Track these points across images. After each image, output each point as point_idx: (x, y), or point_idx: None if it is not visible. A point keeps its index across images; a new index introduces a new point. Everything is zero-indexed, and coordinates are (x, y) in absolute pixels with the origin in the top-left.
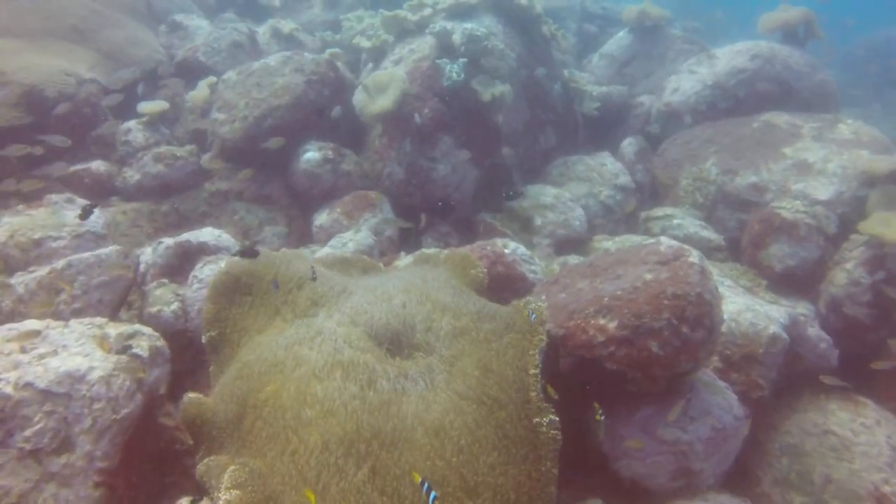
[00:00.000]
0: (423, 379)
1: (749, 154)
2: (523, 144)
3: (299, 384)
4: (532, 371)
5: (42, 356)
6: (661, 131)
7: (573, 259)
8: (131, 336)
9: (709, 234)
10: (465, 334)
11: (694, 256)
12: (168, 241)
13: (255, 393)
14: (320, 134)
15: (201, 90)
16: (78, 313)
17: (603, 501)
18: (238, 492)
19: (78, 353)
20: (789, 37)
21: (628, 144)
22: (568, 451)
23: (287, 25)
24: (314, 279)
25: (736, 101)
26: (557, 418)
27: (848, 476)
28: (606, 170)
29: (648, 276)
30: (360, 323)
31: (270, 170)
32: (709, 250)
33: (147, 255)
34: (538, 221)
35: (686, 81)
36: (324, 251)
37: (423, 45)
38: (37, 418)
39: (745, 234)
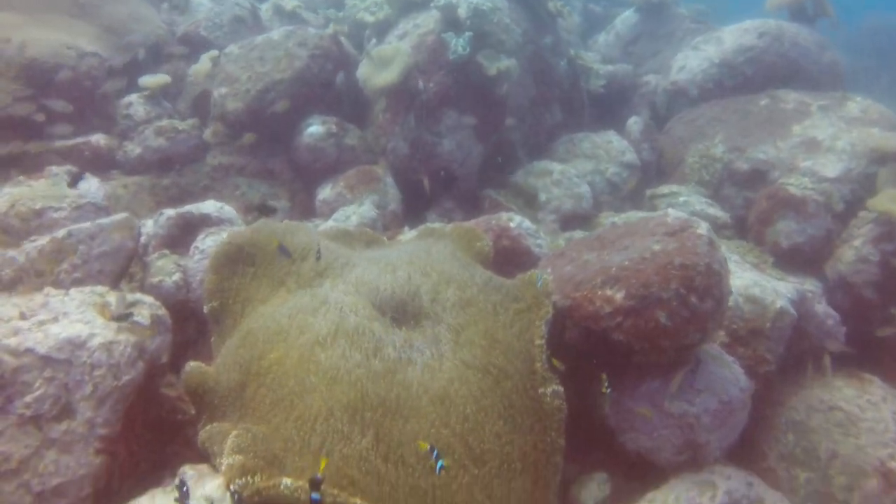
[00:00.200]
0: (429, 348)
1: (756, 132)
2: (529, 121)
3: (303, 351)
4: (538, 342)
5: (42, 323)
6: (668, 110)
7: (579, 234)
8: (132, 304)
9: (715, 211)
10: (472, 305)
11: (702, 228)
12: (170, 211)
13: (258, 361)
14: (323, 108)
15: (203, 63)
16: (78, 283)
17: (608, 475)
18: (241, 456)
19: (78, 320)
20: (798, 14)
21: (634, 123)
22: (573, 425)
23: (290, 2)
24: (318, 259)
25: (744, 78)
26: (562, 388)
27: (854, 451)
28: (613, 147)
29: (656, 247)
30: (366, 293)
31: (273, 144)
32: (715, 228)
33: (149, 226)
34: (543, 197)
35: (693, 59)
36: (327, 224)
37: (428, 20)
38: (37, 384)
39: (752, 211)
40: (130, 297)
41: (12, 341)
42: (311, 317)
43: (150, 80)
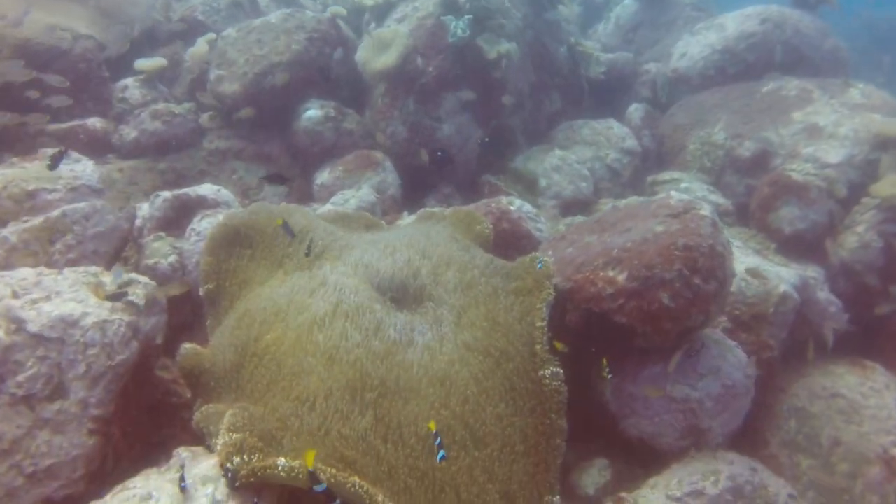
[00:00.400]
0: (430, 330)
1: (758, 118)
2: (528, 107)
3: (301, 332)
4: (539, 324)
5: (35, 301)
6: (669, 97)
7: (579, 220)
8: (127, 284)
9: (717, 198)
10: (472, 288)
11: (705, 209)
12: (166, 193)
13: (254, 342)
14: (322, 92)
15: (200, 46)
16: (72, 264)
17: (609, 461)
18: (237, 435)
19: (71, 298)
20: (800, 1)
21: (634, 110)
22: (574, 410)
23: None
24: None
25: (745, 65)
26: (561, 370)
27: (856, 439)
28: (613, 133)
29: (659, 229)
30: (365, 275)
31: (270, 128)
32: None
33: (144, 209)
34: (543, 183)
35: (694, 46)
36: (325, 208)
37: (427, 3)
38: (29, 363)
39: (754, 198)
40: (125, 276)
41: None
42: (309, 298)
43: (146, 63)
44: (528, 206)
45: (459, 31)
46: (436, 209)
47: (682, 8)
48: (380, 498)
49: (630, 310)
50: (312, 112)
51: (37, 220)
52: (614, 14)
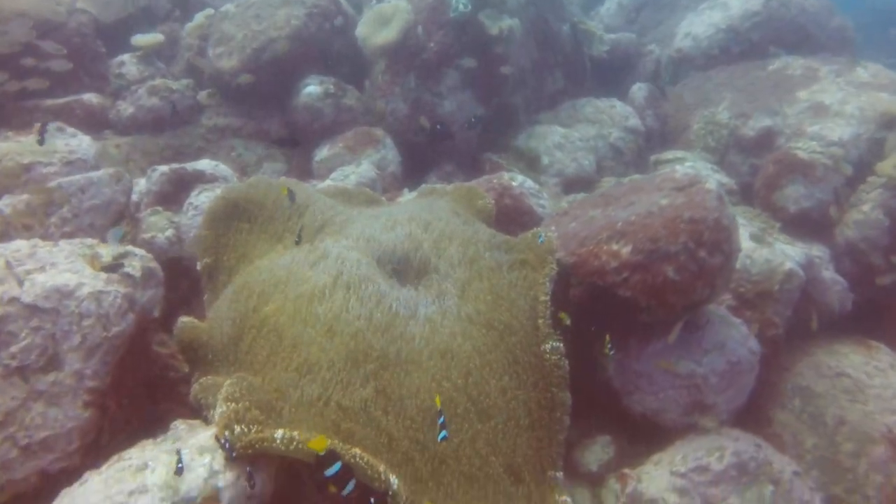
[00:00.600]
0: (433, 303)
1: (763, 97)
2: (530, 85)
3: (302, 303)
4: (542, 298)
5: (29, 272)
6: (673, 77)
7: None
8: (123, 256)
9: (721, 177)
10: (475, 262)
11: (711, 183)
12: (163, 167)
13: (253, 313)
14: (322, 69)
15: (198, 21)
16: (68, 237)
17: (612, 438)
18: (234, 405)
19: (67, 269)
20: None
21: (638, 90)
22: (576, 386)
23: None
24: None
25: (750, 45)
26: (561, 345)
27: (861, 418)
28: (616, 112)
29: (664, 202)
30: (366, 248)
31: (270, 105)
32: None
33: (141, 185)
34: (546, 161)
35: (698, 26)
36: (325, 183)
37: None
38: (23, 334)
39: (759, 177)
40: (121, 248)
41: None
42: (309, 270)
43: (143, 39)
44: (530, 182)
45: (461, 6)
46: (437, 185)
47: None
48: (381, 469)
49: (634, 283)
50: (312, 88)
51: (32, 192)
52: None
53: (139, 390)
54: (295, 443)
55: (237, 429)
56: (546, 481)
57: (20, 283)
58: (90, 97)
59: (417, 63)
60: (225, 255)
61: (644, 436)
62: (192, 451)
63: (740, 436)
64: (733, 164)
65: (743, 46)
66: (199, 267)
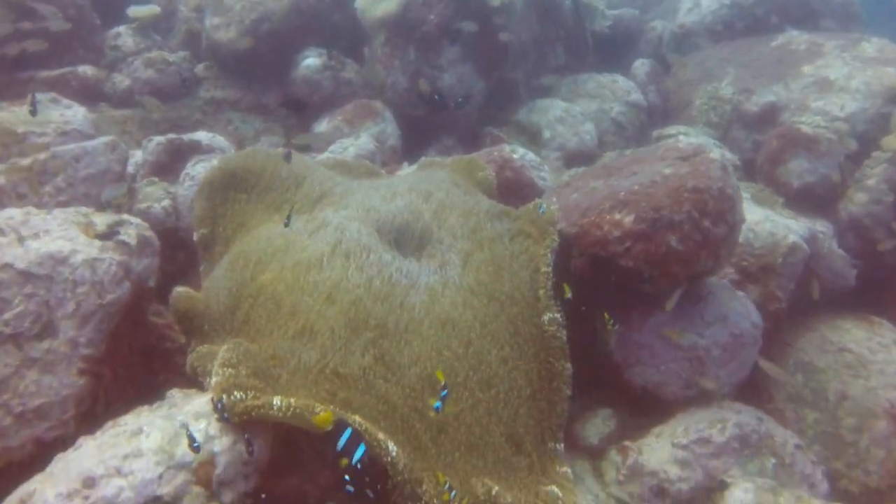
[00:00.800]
0: (434, 273)
1: (767, 73)
2: (532, 60)
3: (300, 271)
4: (543, 269)
5: (22, 238)
6: (675, 53)
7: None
8: (118, 224)
9: (723, 152)
10: (477, 232)
11: (715, 153)
12: (159, 137)
13: (250, 281)
14: (321, 41)
15: None
16: (62, 206)
17: (613, 411)
18: (232, 370)
19: (61, 236)
20: None
21: (640, 65)
22: (576, 360)
23: None
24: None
25: (754, 19)
26: (559, 316)
27: (863, 393)
28: (618, 86)
29: (668, 171)
30: (366, 218)
31: (268, 78)
32: None
33: (137, 156)
34: (547, 134)
35: (702, 1)
36: (323, 155)
37: None
38: (16, 301)
39: (762, 151)
40: (116, 217)
41: None
42: (308, 238)
43: (139, 10)
44: (531, 155)
45: None
46: (436, 158)
47: None
48: (380, 436)
49: (637, 253)
50: (311, 60)
51: (25, 161)
52: None
53: (135, 360)
54: (292, 410)
55: (235, 394)
56: (547, 452)
57: (21, 241)
58: (85, 69)
59: (417, 36)
60: (221, 225)
61: (645, 409)
62: (188, 416)
63: (742, 408)
64: (736, 140)
65: (747, 21)
66: (195, 238)
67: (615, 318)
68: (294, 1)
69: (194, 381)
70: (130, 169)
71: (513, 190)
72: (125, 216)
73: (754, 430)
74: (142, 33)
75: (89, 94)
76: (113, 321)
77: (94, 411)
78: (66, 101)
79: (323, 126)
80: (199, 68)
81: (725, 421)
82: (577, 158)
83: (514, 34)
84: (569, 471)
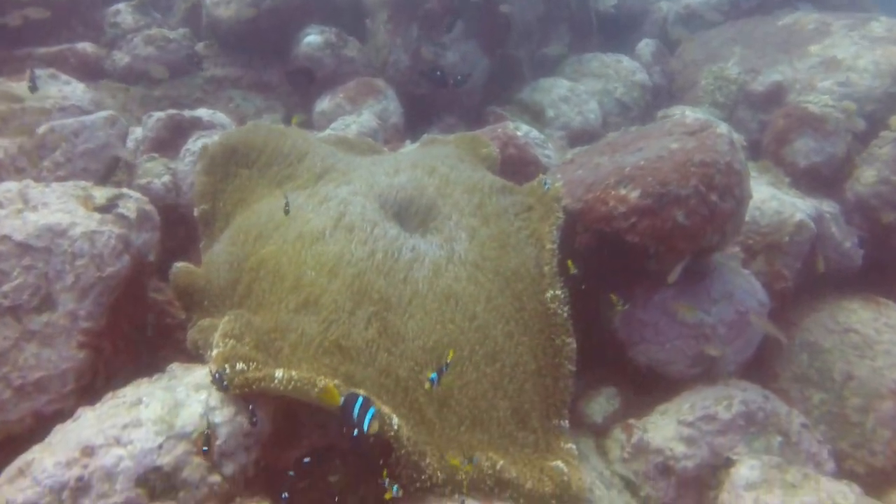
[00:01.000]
0: (439, 248)
1: (773, 52)
2: (536, 40)
3: (302, 244)
4: (549, 246)
5: (20, 210)
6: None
7: None
8: (117, 197)
9: (730, 129)
10: (482, 207)
11: (722, 128)
12: (160, 113)
13: (251, 256)
14: (322, 19)
15: None
16: (61, 181)
17: (617, 390)
18: (233, 341)
19: (59, 209)
20: None
21: (645, 45)
22: (581, 338)
23: None
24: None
25: (759, 0)
26: (561, 293)
27: (869, 373)
28: (623, 66)
29: (674, 146)
30: (369, 193)
31: (269, 56)
32: None
33: (137, 133)
34: (551, 113)
35: None
36: (325, 132)
37: None
38: (15, 273)
39: (768, 131)
40: (115, 190)
41: None
42: (310, 213)
43: None
44: (535, 133)
45: None
46: (439, 135)
47: None
48: (385, 410)
49: (643, 228)
50: (312, 37)
51: (24, 136)
52: None
53: (135, 334)
54: (293, 383)
55: (237, 365)
56: (552, 429)
57: (19, 213)
58: (84, 46)
59: (420, 13)
60: (222, 201)
61: (649, 387)
62: (188, 387)
63: (748, 386)
64: (742, 120)
65: (753, 2)
66: (195, 214)
67: (620, 296)
68: None
69: (195, 357)
70: (130, 145)
71: (516, 167)
72: (124, 190)
73: (760, 408)
74: (141, 10)
75: (88, 71)
76: (112, 294)
77: (93, 385)
78: (64, 77)
79: (325, 103)
80: (200, 46)
81: (731, 398)
82: (580, 138)
83: (518, 12)
84: (574, 447)
